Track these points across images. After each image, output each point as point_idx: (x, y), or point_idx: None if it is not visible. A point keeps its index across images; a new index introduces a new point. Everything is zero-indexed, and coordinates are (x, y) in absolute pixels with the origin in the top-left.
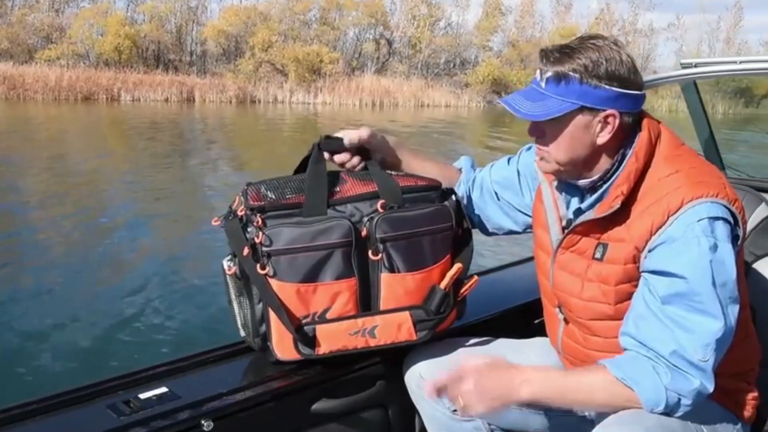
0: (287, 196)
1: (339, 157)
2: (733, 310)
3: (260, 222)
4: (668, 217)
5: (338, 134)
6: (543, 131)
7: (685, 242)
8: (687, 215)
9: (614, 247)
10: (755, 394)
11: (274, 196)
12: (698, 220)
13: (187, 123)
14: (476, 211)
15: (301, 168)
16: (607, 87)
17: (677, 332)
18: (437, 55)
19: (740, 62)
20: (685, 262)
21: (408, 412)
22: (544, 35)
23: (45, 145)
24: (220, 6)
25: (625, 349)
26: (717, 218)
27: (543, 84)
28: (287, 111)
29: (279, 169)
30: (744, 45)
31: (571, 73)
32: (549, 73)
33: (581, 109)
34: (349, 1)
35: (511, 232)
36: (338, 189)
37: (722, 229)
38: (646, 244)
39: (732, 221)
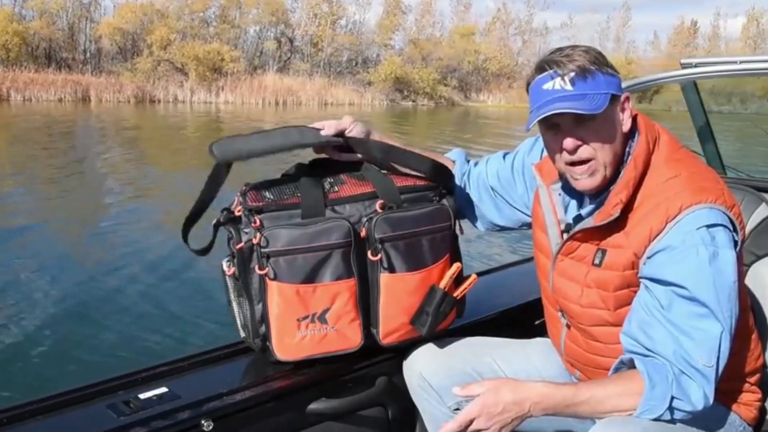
0: (286, 197)
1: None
2: (734, 316)
3: (258, 223)
4: (666, 224)
5: (317, 125)
6: (581, 139)
7: (685, 250)
8: (685, 222)
9: (613, 253)
10: (758, 395)
11: (272, 197)
12: (697, 228)
13: (101, 123)
14: (470, 206)
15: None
16: (614, 73)
17: (682, 339)
18: (339, 54)
19: (740, 62)
20: (686, 270)
21: (408, 411)
22: (444, 34)
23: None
24: (114, 2)
25: (630, 352)
26: (716, 225)
27: (570, 86)
28: (189, 110)
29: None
30: (632, 44)
31: (591, 67)
32: (572, 73)
33: (611, 98)
34: None
35: (503, 229)
36: (336, 190)
37: (722, 236)
38: (645, 250)
39: (731, 227)
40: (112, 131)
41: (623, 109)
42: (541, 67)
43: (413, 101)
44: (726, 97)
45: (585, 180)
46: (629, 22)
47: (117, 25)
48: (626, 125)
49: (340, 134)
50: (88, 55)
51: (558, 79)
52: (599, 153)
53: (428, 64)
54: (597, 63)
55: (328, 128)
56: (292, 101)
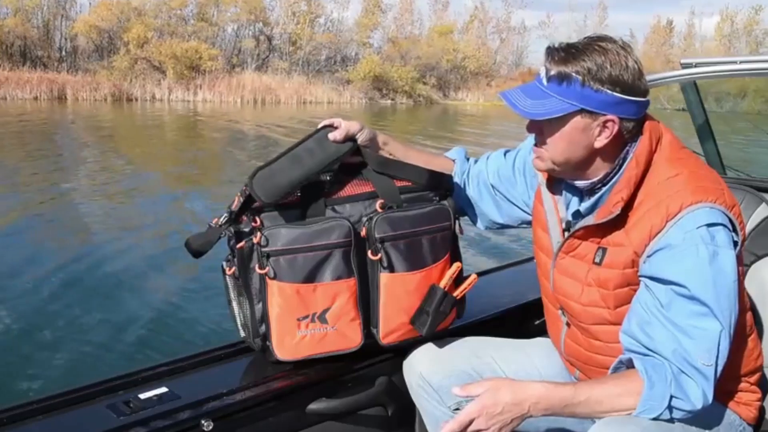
0: None
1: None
2: (734, 315)
3: (259, 222)
4: (666, 222)
5: (327, 122)
6: (540, 129)
7: (685, 249)
8: (685, 221)
9: (613, 251)
10: (757, 395)
11: None
12: (697, 227)
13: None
14: (470, 204)
15: None
16: (609, 92)
17: (681, 338)
18: (318, 52)
19: (740, 62)
20: (686, 269)
21: (408, 411)
22: (423, 32)
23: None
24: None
25: (629, 351)
26: (716, 224)
27: (545, 82)
28: (167, 109)
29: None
30: None
31: (573, 75)
32: (552, 72)
33: (580, 111)
34: None
35: (504, 227)
36: (337, 189)
37: (722, 236)
38: (645, 248)
39: (731, 227)
40: (87, 129)
41: (603, 128)
42: (546, 52)
43: (392, 99)
44: (702, 96)
45: (534, 160)
46: (606, 21)
47: (93, 22)
48: (599, 143)
49: (351, 139)
50: (63, 53)
51: (543, 70)
52: (549, 149)
53: (407, 63)
54: (589, 74)
55: (341, 130)
56: (271, 100)
